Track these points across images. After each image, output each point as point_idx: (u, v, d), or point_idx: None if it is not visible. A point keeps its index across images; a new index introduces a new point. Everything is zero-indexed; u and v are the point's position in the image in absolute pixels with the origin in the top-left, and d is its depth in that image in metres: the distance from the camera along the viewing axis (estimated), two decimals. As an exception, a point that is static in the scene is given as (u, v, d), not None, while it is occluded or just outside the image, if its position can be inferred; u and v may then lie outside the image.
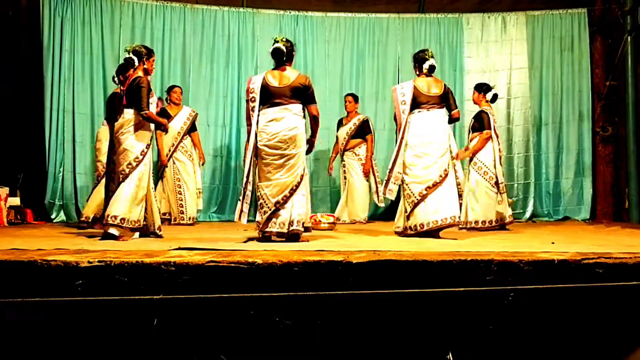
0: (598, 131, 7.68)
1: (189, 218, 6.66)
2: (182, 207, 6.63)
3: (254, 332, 2.93)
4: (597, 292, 2.98)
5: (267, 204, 4.40)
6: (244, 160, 4.55)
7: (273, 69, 4.58)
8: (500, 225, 5.95)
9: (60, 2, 7.21)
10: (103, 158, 5.69)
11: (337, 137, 7.34)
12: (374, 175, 7.13)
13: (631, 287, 2.95)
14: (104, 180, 5.15)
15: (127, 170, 4.56)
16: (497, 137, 6.09)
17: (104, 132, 5.96)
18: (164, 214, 6.45)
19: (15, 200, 6.61)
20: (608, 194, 7.63)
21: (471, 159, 6.04)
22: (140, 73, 4.73)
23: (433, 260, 3.09)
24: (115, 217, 4.50)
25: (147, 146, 4.69)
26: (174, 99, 6.80)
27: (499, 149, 6.06)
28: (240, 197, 4.54)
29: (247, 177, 4.50)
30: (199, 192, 6.89)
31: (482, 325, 2.99)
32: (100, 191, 5.41)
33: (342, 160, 7.26)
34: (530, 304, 2.97)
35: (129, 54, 4.75)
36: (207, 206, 7.63)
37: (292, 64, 4.64)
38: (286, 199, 4.40)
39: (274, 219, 4.39)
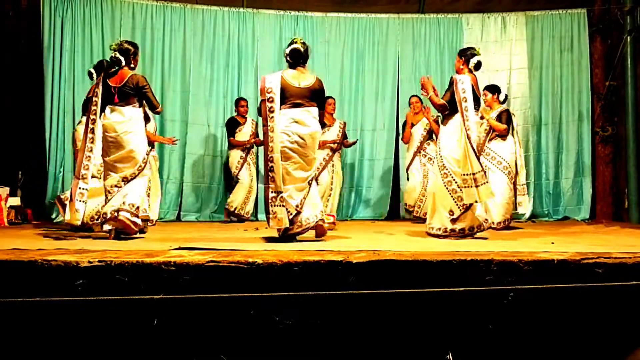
0: (598, 131, 7.69)
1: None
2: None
3: (254, 332, 2.93)
4: (597, 292, 2.99)
5: (291, 206, 4.33)
6: (268, 162, 4.33)
7: (289, 69, 4.53)
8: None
9: (60, 2, 7.21)
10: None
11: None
12: None
13: (631, 287, 2.96)
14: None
15: (136, 173, 4.63)
16: (519, 140, 6.23)
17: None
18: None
19: (16, 200, 6.61)
20: (607, 194, 7.64)
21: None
22: (129, 71, 4.69)
23: (433, 260, 3.09)
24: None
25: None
26: (242, 112, 7.25)
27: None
28: (280, 204, 4.33)
29: (274, 179, 4.32)
30: None
31: (482, 325, 2.99)
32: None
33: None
34: (530, 304, 2.97)
35: (115, 52, 4.67)
36: (207, 206, 7.63)
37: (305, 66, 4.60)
38: (304, 200, 4.38)
39: (295, 221, 4.35)
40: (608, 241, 4.44)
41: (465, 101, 4.71)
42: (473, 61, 4.92)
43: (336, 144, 7.03)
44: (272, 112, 4.34)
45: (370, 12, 8.07)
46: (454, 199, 4.68)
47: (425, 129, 6.96)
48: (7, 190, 6.42)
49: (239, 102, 7.31)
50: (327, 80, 7.87)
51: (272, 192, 4.31)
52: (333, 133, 7.11)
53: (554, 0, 7.98)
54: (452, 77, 4.91)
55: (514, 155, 6.01)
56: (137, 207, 4.56)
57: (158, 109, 4.83)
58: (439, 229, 4.76)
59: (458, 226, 4.69)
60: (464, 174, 4.64)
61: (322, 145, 7.08)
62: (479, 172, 4.63)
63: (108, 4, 7.44)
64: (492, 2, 8.11)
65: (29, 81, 7.13)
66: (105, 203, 4.60)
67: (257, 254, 3.26)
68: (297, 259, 3.05)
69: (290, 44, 4.55)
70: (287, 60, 4.56)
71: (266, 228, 4.62)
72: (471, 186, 4.61)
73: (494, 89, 6.26)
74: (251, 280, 2.97)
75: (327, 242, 4.29)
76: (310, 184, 4.47)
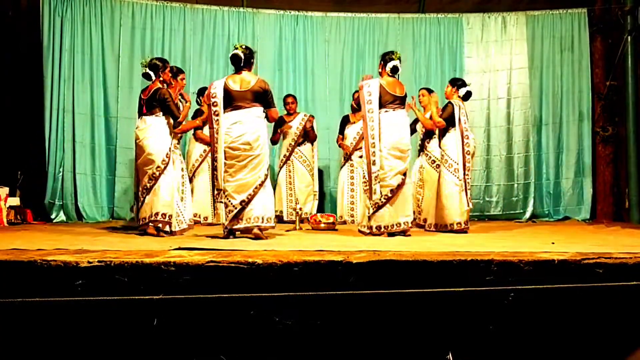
0: (598, 131, 7.68)
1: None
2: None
3: (254, 332, 2.93)
4: (597, 292, 2.98)
5: (232, 204, 4.65)
6: (214, 161, 4.75)
7: (233, 74, 4.84)
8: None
9: (60, 2, 7.20)
10: None
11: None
12: None
13: (631, 287, 2.95)
14: None
15: (157, 173, 4.96)
16: (462, 132, 5.67)
17: None
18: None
19: (15, 200, 6.61)
20: (608, 194, 7.63)
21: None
22: (158, 84, 5.08)
23: (433, 260, 3.09)
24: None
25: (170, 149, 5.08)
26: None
27: (465, 144, 5.69)
28: (222, 200, 4.73)
29: (216, 177, 4.71)
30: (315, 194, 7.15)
31: (482, 325, 2.99)
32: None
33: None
34: (530, 304, 2.97)
35: (145, 68, 5.10)
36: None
37: (251, 70, 4.88)
38: (251, 198, 4.65)
39: (240, 217, 4.65)
40: (608, 241, 4.44)
41: (370, 103, 5.07)
42: (389, 66, 5.19)
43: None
44: (217, 115, 4.71)
45: (370, 12, 8.07)
46: (367, 197, 5.09)
47: (421, 129, 6.46)
48: (6, 190, 6.42)
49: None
50: (327, 80, 7.96)
51: (216, 189, 4.75)
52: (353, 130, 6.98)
53: (555, 0, 7.98)
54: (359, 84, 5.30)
55: (459, 150, 5.62)
56: (164, 214, 4.94)
57: (179, 119, 5.10)
58: (364, 225, 5.13)
59: (372, 223, 5.02)
60: (369, 173, 5.01)
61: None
62: (376, 172, 4.98)
63: (108, 3, 7.43)
64: (492, 2, 8.11)
65: (29, 81, 7.12)
66: (140, 206, 5.01)
67: (257, 254, 3.26)
68: (297, 259, 3.05)
69: (232, 50, 4.86)
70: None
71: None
72: (375, 184, 4.97)
73: (454, 82, 5.95)
74: (251, 281, 2.97)
75: (327, 242, 4.29)
76: (262, 185, 4.71)
